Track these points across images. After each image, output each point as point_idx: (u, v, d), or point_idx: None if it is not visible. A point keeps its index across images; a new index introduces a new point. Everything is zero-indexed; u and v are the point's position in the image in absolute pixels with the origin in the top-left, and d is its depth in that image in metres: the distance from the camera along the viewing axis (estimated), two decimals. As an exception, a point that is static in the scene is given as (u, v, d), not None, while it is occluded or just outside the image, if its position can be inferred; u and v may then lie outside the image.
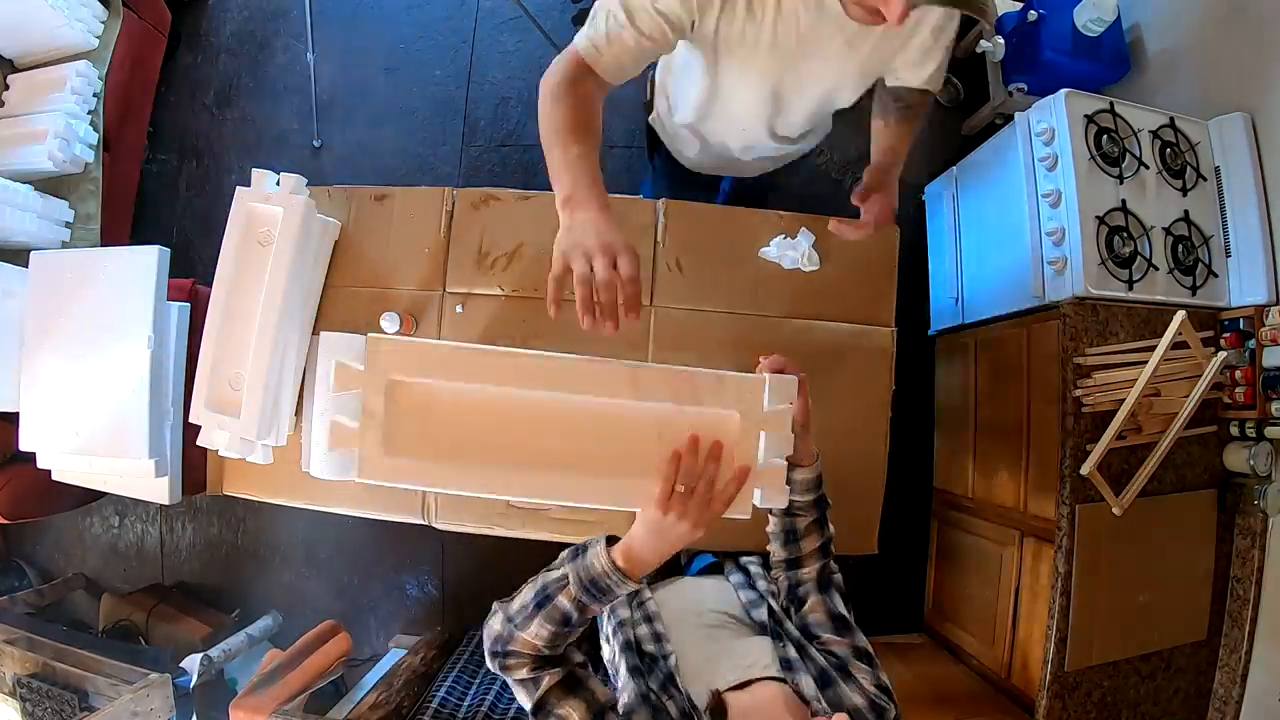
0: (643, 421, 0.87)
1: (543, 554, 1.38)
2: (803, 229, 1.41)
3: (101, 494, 2.03)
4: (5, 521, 1.89)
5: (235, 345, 1.32)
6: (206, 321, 1.34)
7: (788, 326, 1.41)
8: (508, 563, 1.92)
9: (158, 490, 1.62)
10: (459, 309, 1.41)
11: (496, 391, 0.86)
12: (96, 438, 1.57)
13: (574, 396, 0.87)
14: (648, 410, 0.87)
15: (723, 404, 0.87)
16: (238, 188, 1.35)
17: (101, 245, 2.13)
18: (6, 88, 2.21)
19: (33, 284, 1.64)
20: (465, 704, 1.65)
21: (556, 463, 0.87)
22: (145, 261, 1.55)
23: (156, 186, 2.54)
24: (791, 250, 1.40)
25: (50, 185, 2.10)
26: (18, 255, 1.82)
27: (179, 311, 1.65)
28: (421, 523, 1.41)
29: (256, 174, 1.35)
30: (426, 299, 1.41)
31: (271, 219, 1.32)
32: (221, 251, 1.34)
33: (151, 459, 1.55)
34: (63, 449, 1.61)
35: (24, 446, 1.62)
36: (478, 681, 1.73)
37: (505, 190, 1.45)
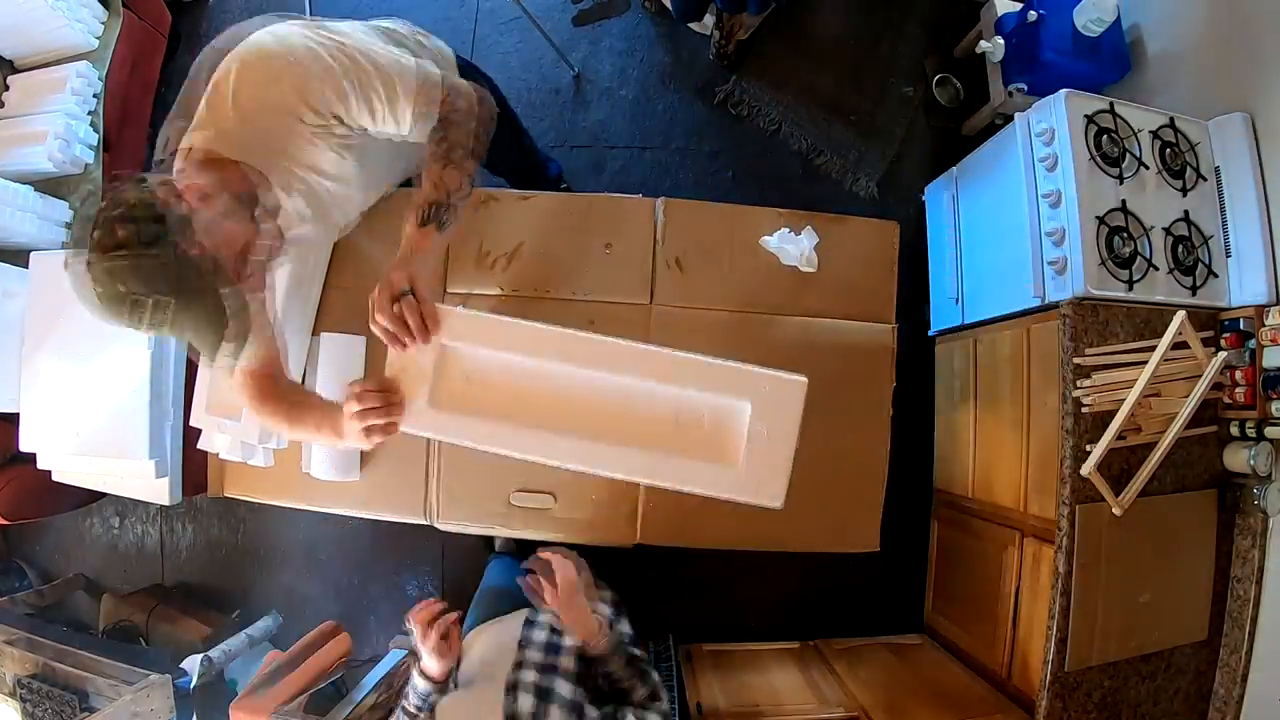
0: (664, 402, 0.95)
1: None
2: (808, 227, 1.41)
3: (102, 495, 2.03)
4: (5, 522, 1.89)
5: (235, 348, 1.32)
6: None
7: (787, 324, 1.41)
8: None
9: (158, 491, 1.62)
10: (460, 309, 1.41)
11: (535, 364, 0.94)
12: (97, 438, 1.57)
13: (604, 375, 0.94)
14: (670, 393, 0.94)
15: (738, 394, 0.94)
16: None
17: (102, 246, 2.13)
18: (6, 88, 2.21)
19: (33, 285, 1.64)
20: (465, 704, 1.65)
21: (580, 432, 0.94)
22: (145, 262, 1.55)
23: (156, 187, 2.54)
24: (792, 245, 1.39)
25: (50, 186, 2.10)
26: (18, 256, 1.82)
27: (179, 312, 1.65)
28: (424, 523, 1.41)
29: None
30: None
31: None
32: None
33: (152, 460, 1.55)
34: (63, 450, 1.61)
35: (24, 447, 1.62)
36: (478, 682, 1.72)
37: (504, 191, 1.45)
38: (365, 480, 1.41)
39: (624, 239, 1.42)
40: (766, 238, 1.40)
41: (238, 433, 1.32)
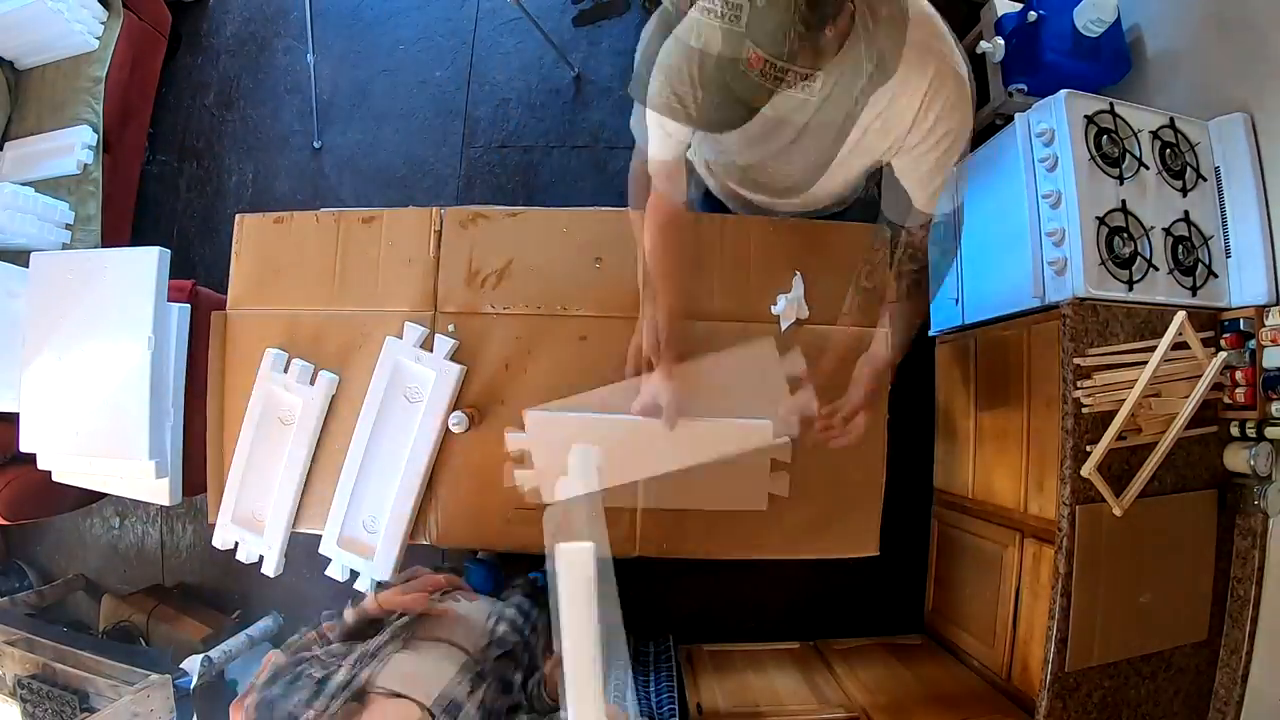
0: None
1: (538, 558, 1.39)
2: (798, 275, 1.41)
3: (102, 495, 2.03)
4: (6, 523, 1.89)
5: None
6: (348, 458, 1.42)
7: (782, 331, 1.40)
8: (508, 565, 1.92)
9: (158, 491, 1.62)
10: (451, 328, 1.40)
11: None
12: (97, 439, 1.57)
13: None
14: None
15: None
16: (388, 338, 1.39)
17: (102, 246, 2.13)
18: (9, 91, 2.22)
19: (33, 285, 1.64)
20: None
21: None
22: (145, 262, 1.56)
23: (157, 188, 2.54)
24: (785, 302, 1.41)
25: (50, 186, 2.11)
26: (18, 256, 1.83)
27: (179, 313, 1.65)
28: (425, 543, 1.43)
29: (408, 329, 1.40)
30: (419, 319, 1.40)
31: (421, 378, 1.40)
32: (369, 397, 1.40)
33: (151, 460, 1.55)
34: (63, 450, 1.62)
35: (24, 448, 1.62)
36: (478, 682, 1.73)
37: (492, 208, 1.45)
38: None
39: (613, 252, 1.41)
40: (774, 306, 1.41)
41: (258, 546, 1.47)
